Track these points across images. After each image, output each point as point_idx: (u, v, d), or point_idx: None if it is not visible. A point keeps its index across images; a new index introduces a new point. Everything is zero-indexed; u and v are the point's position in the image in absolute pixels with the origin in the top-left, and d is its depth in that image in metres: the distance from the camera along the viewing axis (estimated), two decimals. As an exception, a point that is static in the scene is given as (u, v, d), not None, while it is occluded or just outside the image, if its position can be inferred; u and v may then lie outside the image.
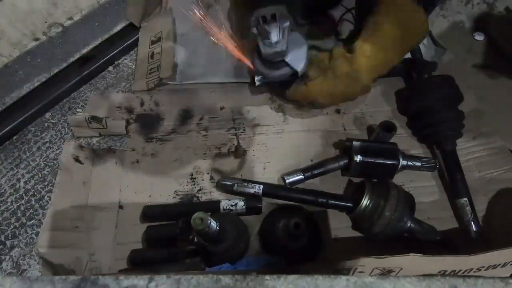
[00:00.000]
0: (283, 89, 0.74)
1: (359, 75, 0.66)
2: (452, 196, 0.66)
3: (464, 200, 0.63)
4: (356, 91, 0.70)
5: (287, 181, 0.66)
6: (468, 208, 0.63)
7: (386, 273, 0.48)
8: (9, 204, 0.68)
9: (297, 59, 0.66)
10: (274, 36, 0.61)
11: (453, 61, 0.82)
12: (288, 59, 0.65)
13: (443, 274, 0.49)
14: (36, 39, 0.78)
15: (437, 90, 0.68)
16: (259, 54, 0.65)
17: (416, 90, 0.69)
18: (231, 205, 0.62)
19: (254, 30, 0.63)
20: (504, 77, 0.83)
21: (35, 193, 0.69)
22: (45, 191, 0.69)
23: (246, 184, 0.63)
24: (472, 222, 0.62)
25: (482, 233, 0.62)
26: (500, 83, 0.82)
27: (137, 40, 0.89)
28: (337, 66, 0.67)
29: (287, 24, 0.61)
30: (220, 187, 0.66)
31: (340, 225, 0.64)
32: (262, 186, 0.63)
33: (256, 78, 0.71)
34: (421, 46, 0.80)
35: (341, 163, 0.66)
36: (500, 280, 0.31)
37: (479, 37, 0.90)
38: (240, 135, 0.75)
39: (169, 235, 0.60)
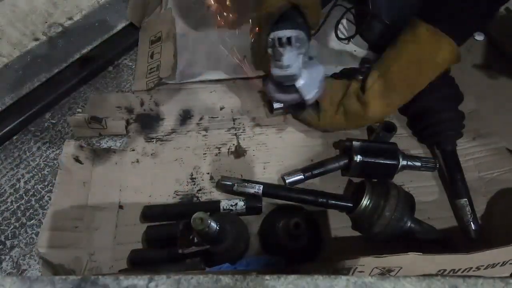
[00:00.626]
0: (294, 110, 0.74)
1: (369, 115, 0.65)
2: (452, 196, 0.66)
3: (464, 200, 0.63)
4: (367, 123, 0.71)
5: (287, 181, 0.66)
6: (468, 208, 0.63)
7: (386, 272, 0.48)
8: (9, 204, 0.68)
9: (310, 86, 0.64)
10: (287, 60, 0.58)
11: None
12: (299, 85, 0.63)
13: (443, 273, 0.49)
14: (36, 39, 0.78)
15: (437, 90, 0.68)
16: (271, 75, 0.63)
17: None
18: (231, 205, 0.62)
19: (269, 51, 0.61)
20: (504, 77, 0.83)
21: (35, 193, 0.69)
22: (45, 191, 0.69)
23: (246, 184, 0.63)
24: (472, 222, 0.62)
25: (482, 233, 0.62)
26: (500, 83, 0.82)
27: (137, 40, 0.89)
28: (348, 105, 0.66)
29: (302, 49, 0.60)
30: (220, 187, 0.66)
31: (340, 225, 0.64)
32: (262, 186, 0.63)
33: (274, 105, 0.72)
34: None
35: (341, 163, 0.66)
36: (500, 280, 0.31)
37: (479, 37, 0.90)
38: (240, 135, 0.75)
39: (169, 235, 0.60)
